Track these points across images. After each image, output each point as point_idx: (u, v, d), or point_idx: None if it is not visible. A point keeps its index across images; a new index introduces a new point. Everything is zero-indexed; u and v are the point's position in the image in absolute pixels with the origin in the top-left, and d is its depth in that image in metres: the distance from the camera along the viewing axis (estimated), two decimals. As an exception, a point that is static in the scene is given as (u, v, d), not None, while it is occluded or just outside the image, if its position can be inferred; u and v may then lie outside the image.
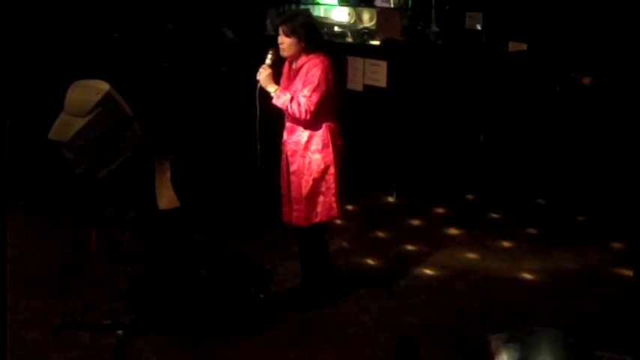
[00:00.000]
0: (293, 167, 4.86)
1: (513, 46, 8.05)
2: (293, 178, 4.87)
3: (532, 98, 8.02)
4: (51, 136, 4.90)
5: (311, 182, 4.81)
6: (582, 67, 7.84)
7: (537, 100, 8.02)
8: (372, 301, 5.18)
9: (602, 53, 7.69)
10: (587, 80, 7.74)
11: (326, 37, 7.90)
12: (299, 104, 4.65)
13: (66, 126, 4.84)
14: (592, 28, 7.73)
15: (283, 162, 4.96)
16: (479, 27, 7.84)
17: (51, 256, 5.66)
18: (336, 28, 8.17)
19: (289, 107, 4.68)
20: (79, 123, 4.80)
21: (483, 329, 4.72)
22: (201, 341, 4.62)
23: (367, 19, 8.29)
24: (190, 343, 4.61)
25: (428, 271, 5.70)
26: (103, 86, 4.93)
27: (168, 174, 5.03)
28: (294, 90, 4.72)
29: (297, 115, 4.68)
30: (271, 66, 4.79)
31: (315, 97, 4.64)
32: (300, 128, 4.80)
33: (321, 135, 4.78)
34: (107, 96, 4.85)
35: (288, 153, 4.89)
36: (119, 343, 4.53)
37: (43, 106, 5.29)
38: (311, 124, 4.75)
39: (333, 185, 4.83)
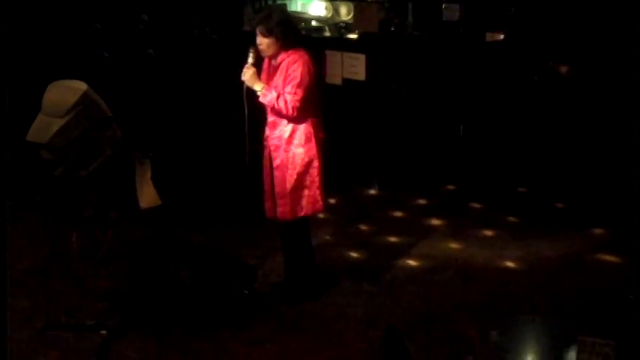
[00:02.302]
0: (276, 162, 4.87)
1: (490, 37, 8.09)
2: (277, 172, 4.87)
3: (510, 88, 8.06)
4: (29, 137, 4.86)
5: (295, 176, 4.82)
6: (559, 56, 7.89)
7: (515, 90, 8.06)
8: (357, 294, 5.20)
9: (579, 41, 7.74)
10: (564, 69, 7.80)
11: (303, 32, 7.90)
12: (285, 101, 4.66)
13: (44, 127, 4.80)
14: (568, 16, 7.78)
15: (266, 157, 4.96)
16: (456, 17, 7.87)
17: (33, 257, 5.63)
18: (313, 23, 8.18)
19: (276, 104, 4.69)
20: (57, 124, 4.76)
21: (467, 318, 4.78)
22: (186, 339, 4.62)
23: (344, 12, 8.30)
24: (175, 341, 4.61)
25: (411, 262, 5.72)
26: (81, 86, 4.89)
27: (149, 173, 5.00)
28: (274, 86, 4.73)
29: (284, 112, 4.69)
30: (254, 64, 4.80)
31: (299, 93, 4.66)
32: (283, 123, 4.80)
33: (303, 129, 4.79)
34: (85, 96, 4.81)
35: (271, 148, 4.89)
36: (103, 344, 4.52)
37: (20, 107, 5.25)
38: (295, 118, 4.76)
39: (317, 179, 4.85)
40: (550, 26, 7.95)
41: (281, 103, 4.67)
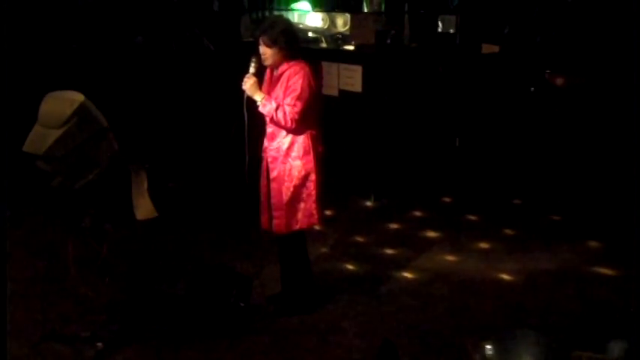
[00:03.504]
0: (273, 174, 4.87)
1: (486, 49, 8.12)
2: (273, 184, 4.87)
3: (506, 99, 8.09)
4: (25, 148, 4.85)
5: (292, 189, 4.81)
6: (555, 68, 7.92)
7: (511, 102, 8.09)
8: (353, 307, 5.19)
9: (575, 53, 7.78)
10: (560, 81, 7.83)
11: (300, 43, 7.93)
12: (284, 113, 4.66)
13: (40, 138, 4.79)
14: (564, 29, 7.82)
15: (263, 168, 4.96)
16: (452, 30, 7.91)
17: (29, 269, 5.62)
18: (310, 34, 8.20)
19: (275, 115, 4.69)
20: (54, 135, 4.75)
21: (463, 331, 4.78)
22: (182, 351, 4.61)
23: (341, 24, 8.32)
24: (171, 353, 4.60)
25: (407, 275, 5.72)
26: (77, 97, 4.88)
27: (145, 184, 4.99)
28: (275, 96, 4.73)
29: (283, 123, 4.69)
30: (255, 74, 4.79)
31: (299, 106, 4.65)
32: (282, 134, 4.80)
33: (302, 142, 4.79)
34: (81, 107, 4.81)
35: (269, 159, 4.89)
36: (98, 356, 4.51)
37: (16, 118, 5.26)
38: (293, 130, 4.76)
39: (313, 192, 4.84)
40: (546, 39, 7.98)
41: (280, 115, 4.67)
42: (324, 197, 5.00)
